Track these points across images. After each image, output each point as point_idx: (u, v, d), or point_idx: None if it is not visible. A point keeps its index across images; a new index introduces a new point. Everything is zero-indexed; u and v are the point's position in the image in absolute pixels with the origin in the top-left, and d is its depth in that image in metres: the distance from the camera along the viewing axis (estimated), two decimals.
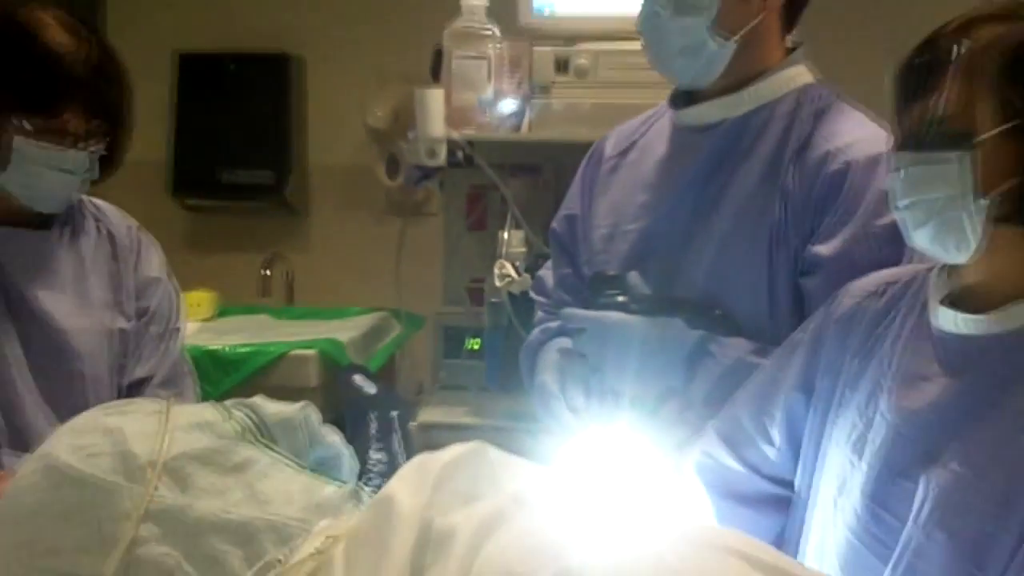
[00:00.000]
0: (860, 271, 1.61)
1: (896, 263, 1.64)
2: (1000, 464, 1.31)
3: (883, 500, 1.40)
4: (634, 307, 1.84)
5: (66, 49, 1.81)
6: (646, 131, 2.00)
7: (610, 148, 2.04)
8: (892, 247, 1.68)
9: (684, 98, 1.93)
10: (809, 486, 1.53)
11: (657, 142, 1.96)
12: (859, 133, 1.80)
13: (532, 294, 2.17)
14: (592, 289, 1.92)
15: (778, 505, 1.59)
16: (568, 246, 2.05)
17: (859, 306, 1.54)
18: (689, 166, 1.88)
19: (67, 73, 1.80)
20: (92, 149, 1.85)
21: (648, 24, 1.84)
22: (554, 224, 2.09)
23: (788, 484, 1.58)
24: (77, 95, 1.81)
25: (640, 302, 1.84)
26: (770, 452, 1.59)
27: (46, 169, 1.82)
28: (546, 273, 2.12)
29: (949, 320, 1.41)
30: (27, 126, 1.79)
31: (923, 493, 1.35)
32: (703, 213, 1.85)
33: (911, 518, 1.35)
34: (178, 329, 2.06)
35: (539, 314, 2.10)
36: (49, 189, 1.85)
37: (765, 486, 1.60)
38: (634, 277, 1.87)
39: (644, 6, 1.83)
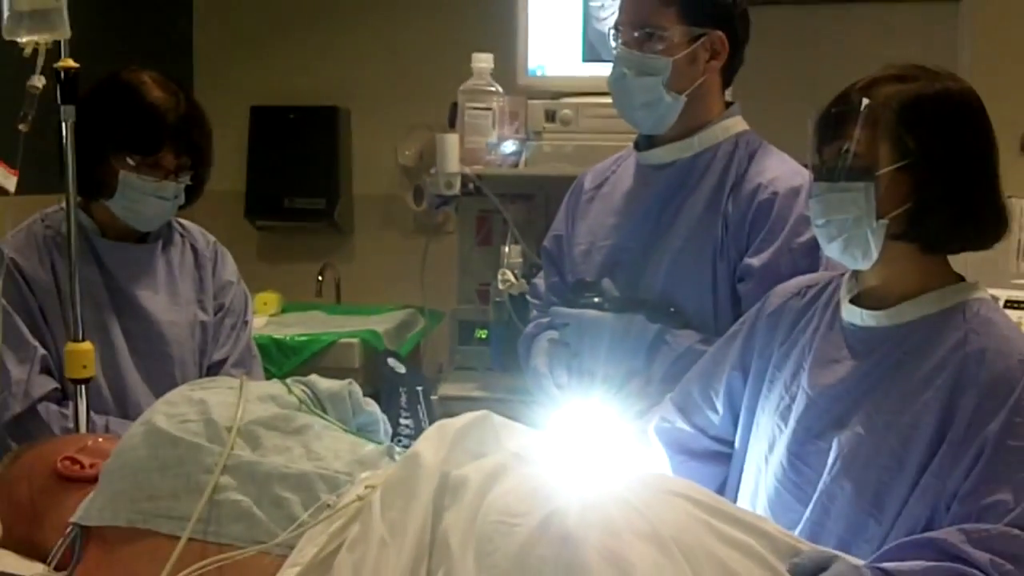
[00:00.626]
0: (784, 278, 1.61)
1: (812, 272, 1.64)
2: (894, 428, 1.31)
3: (803, 456, 1.39)
4: (606, 306, 1.84)
5: (162, 103, 1.81)
6: (616, 168, 1.99)
7: (588, 182, 2.03)
8: (809, 259, 1.69)
9: (645, 142, 1.92)
10: (745, 445, 1.53)
11: (625, 177, 1.95)
12: (783, 170, 1.79)
13: (527, 296, 2.16)
14: (574, 292, 1.92)
15: (720, 459, 1.58)
16: (555, 259, 2.04)
17: (784, 304, 1.53)
18: (650, 196, 1.87)
19: (163, 121, 1.80)
20: (181, 180, 1.85)
21: (616, 84, 1.83)
22: (545, 242, 2.09)
23: (728, 443, 1.58)
24: (170, 138, 1.81)
25: (611, 302, 1.84)
26: (714, 418, 1.58)
27: (146, 196, 1.82)
28: (539, 280, 2.11)
29: (855, 315, 1.41)
30: (131, 162, 1.80)
31: (834, 451, 1.35)
32: (660, 233, 1.85)
33: (825, 470, 1.36)
34: (248, 322, 2.04)
35: (533, 312, 2.09)
36: (148, 212, 1.85)
37: (710, 444, 1.59)
38: (606, 283, 1.87)
39: (613, 69, 1.83)
